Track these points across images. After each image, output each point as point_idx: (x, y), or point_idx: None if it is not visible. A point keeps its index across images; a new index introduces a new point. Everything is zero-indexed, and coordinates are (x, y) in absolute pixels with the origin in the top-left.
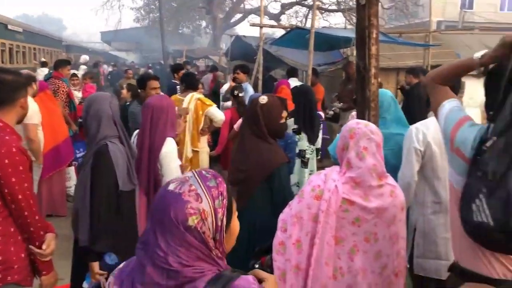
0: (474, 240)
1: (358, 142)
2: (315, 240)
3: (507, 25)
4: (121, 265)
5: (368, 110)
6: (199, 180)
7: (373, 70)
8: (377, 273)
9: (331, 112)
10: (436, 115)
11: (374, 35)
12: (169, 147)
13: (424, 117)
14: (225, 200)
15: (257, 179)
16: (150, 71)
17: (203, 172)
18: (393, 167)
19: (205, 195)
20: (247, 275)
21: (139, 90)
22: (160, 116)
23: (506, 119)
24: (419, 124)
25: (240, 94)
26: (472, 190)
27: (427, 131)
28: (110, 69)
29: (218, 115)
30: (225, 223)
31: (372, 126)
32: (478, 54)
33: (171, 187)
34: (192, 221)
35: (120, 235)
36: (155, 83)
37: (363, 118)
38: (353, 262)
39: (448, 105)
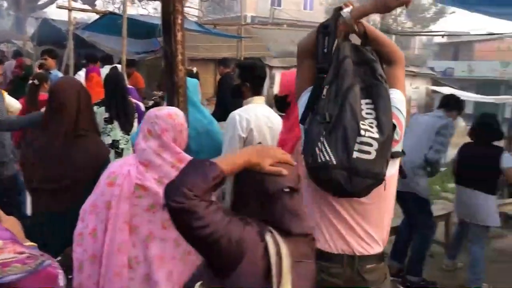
0: (323, 187)
1: (144, 126)
2: (107, 227)
3: (308, 23)
4: None
5: (177, 96)
6: None
7: (180, 56)
8: (178, 259)
9: (152, 102)
10: (298, 96)
11: (179, 21)
12: None
13: (237, 104)
14: None
15: (87, 178)
16: None
17: None
18: (194, 152)
19: None
20: None
21: None
22: None
23: (334, 71)
24: (241, 112)
25: (36, 82)
26: (313, 134)
27: (250, 118)
28: None
29: (13, 103)
30: None
31: (166, 111)
32: (346, 9)
33: None
34: None
35: None
36: None
37: (172, 104)
38: (149, 250)
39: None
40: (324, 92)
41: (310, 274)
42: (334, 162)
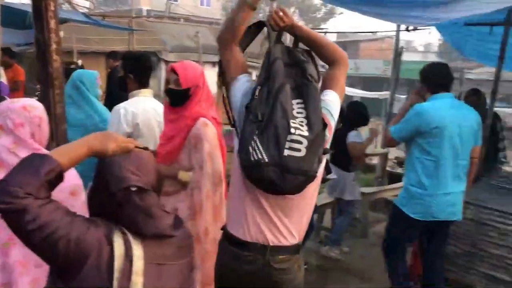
0: (257, 185)
1: None
2: None
3: (205, 18)
4: None
5: (52, 88)
6: None
7: (54, 45)
8: (44, 265)
9: (36, 98)
10: (229, 86)
11: (52, 8)
12: None
13: (125, 98)
14: None
15: None
16: None
17: None
18: None
19: None
20: None
21: None
22: None
23: (265, 73)
24: (127, 105)
25: None
26: (246, 133)
27: (137, 111)
28: None
29: None
30: None
31: (20, 103)
32: None
33: None
34: None
35: None
36: None
37: (46, 97)
38: (9, 257)
39: (243, 79)
40: (257, 92)
41: (177, 276)
42: (266, 160)
